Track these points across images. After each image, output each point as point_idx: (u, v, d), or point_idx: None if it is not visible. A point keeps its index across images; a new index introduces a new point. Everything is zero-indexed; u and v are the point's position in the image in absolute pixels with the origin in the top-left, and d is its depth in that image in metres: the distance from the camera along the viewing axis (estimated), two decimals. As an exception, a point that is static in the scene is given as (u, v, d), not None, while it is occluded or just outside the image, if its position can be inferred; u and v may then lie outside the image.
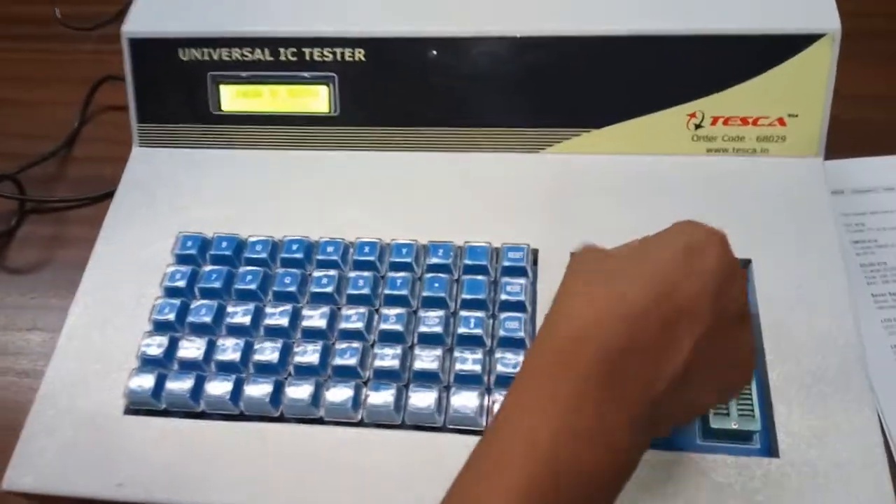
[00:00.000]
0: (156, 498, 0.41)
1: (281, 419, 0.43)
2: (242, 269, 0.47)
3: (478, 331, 0.43)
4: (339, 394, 0.42)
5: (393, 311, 0.44)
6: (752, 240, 0.46)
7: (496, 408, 0.41)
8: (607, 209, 0.48)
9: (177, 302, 0.46)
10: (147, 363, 0.45)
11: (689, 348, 0.31)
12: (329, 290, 0.46)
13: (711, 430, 0.40)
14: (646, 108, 0.49)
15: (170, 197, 0.53)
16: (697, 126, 0.49)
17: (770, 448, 0.40)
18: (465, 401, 0.41)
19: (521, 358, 0.42)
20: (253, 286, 0.46)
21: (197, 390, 0.43)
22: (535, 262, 0.47)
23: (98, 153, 0.68)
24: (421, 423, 0.42)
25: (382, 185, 0.52)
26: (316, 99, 0.53)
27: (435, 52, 0.50)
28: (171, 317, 0.46)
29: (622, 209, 0.48)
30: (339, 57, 0.52)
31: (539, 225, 0.48)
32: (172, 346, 0.45)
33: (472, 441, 0.40)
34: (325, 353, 0.44)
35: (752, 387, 0.41)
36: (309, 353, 0.43)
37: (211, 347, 0.45)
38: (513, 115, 0.51)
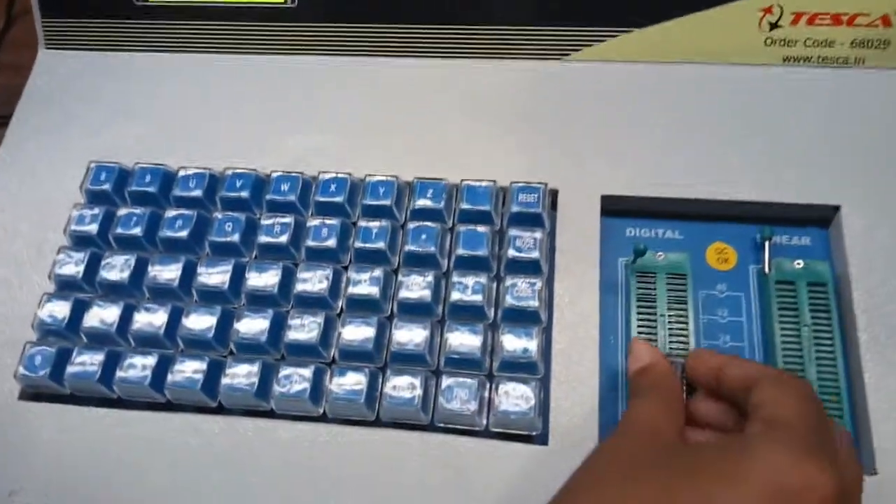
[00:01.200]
0: (56, 511, 0.32)
1: (219, 411, 0.33)
2: (171, 212, 0.36)
3: (477, 298, 0.33)
4: (292, 381, 0.32)
5: (365, 275, 0.34)
6: (842, 179, 0.35)
7: (501, 401, 0.31)
8: (651, 136, 0.37)
9: (85, 254, 0.35)
10: (46, 334, 0.34)
11: None
12: (282, 240, 0.35)
13: (784, 435, 0.30)
14: None
15: (80, 115, 0.41)
16: (773, 25, 0.37)
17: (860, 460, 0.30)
18: (459, 392, 0.31)
19: (534, 335, 0.32)
20: (183, 234, 0.35)
21: (109, 371, 0.33)
22: (553, 207, 0.36)
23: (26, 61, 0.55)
24: (400, 420, 0.32)
25: (354, 101, 0.40)
26: (268, -15, 0.40)
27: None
28: (78, 273, 0.35)
29: (671, 136, 0.37)
30: (296, -73, 0.39)
31: (560, 157, 0.37)
32: (78, 312, 0.34)
33: (467, 445, 0.31)
34: (277, 326, 0.33)
35: (840, 382, 0.31)
36: (255, 326, 0.33)
37: (128, 315, 0.34)
38: (527, 10, 0.39)
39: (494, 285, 0.34)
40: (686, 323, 0.32)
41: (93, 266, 0.35)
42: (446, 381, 0.31)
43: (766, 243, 0.34)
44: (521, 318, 0.32)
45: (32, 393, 0.34)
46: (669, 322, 0.33)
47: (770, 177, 0.35)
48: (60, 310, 0.34)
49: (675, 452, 0.25)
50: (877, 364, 0.31)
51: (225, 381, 0.32)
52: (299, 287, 0.34)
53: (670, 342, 0.32)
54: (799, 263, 0.33)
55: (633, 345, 0.31)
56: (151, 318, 0.34)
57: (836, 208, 0.34)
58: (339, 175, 0.36)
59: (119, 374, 0.33)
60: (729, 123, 0.37)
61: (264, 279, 0.34)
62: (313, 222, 0.35)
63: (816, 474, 0.23)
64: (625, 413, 0.28)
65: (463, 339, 0.32)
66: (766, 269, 0.33)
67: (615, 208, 0.36)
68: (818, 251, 0.35)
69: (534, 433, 0.31)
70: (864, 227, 0.33)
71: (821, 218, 0.35)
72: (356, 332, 0.33)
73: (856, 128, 0.36)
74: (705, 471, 0.23)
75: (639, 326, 0.33)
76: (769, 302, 0.33)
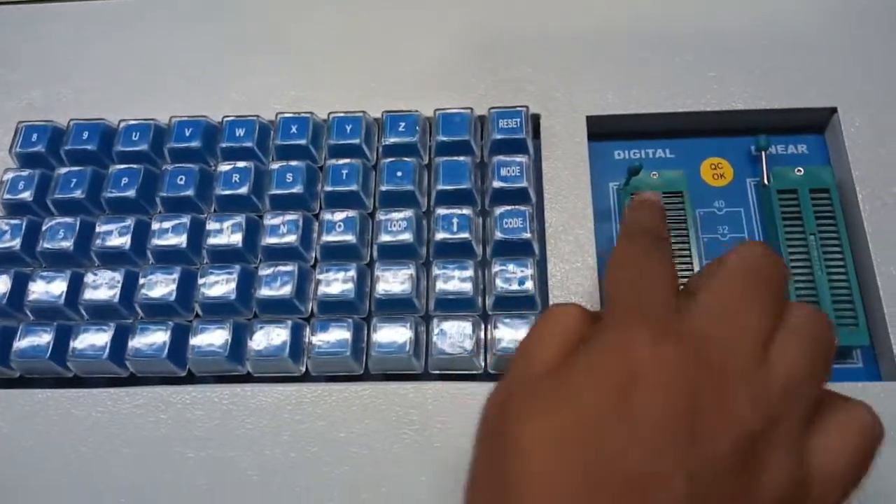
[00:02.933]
0: (14, 508, 0.28)
1: (189, 379, 0.30)
2: (114, 169, 0.32)
3: (464, 235, 0.30)
4: (269, 338, 0.29)
5: (339, 216, 0.31)
6: (836, 80, 0.33)
7: (499, 339, 0.28)
8: (633, 51, 0.34)
9: (22, 221, 0.32)
10: (-15, 314, 0.31)
11: None
12: (243, 191, 0.32)
13: (800, 349, 0.29)
14: None
15: (2, 69, 0.36)
16: (753, -76, 0.35)
17: (878, 369, 0.29)
18: (453, 334, 0.29)
19: (528, 269, 0.29)
20: (131, 192, 0.32)
21: (61, 347, 0.30)
22: (536, 135, 0.33)
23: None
24: (392, 371, 0.29)
25: (311, 26, 0.36)
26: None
27: None
28: (15, 244, 0.31)
29: (654, 50, 0.34)
30: None
31: (538, 80, 0.34)
32: (20, 286, 0.31)
33: (466, 391, 0.28)
34: (245, 282, 0.30)
35: (853, 288, 0.29)
36: (220, 283, 0.30)
37: (76, 284, 0.31)
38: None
39: (481, 220, 0.31)
40: (688, 243, 0.30)
41: (32, 235, 0.32)
42: (438, 324, 0.29)
43: (763, 154, 0.32)
44: (512, 251, 0.30)
45: (-24, 380, 0.31)
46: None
47: (760, 83, 0.33)
48: (0, 285, 0.31)
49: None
50: (889, 266, 0.29)
51: (193, 345, 0.29)
52: (267, 239, 0.31)
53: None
54: (799, 171, 0.31)
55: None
56: (103, 286, 0.30)
57: (833, 110, 0.32)
58: (300, 114, 0.33)
59: (73, 348, 0.29)
60: (713, 31, 0.34)
61: (226, 233, 0.31)
62: (275, 166, 0.32)
63: (660, 335, 0.19)
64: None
65: (452, 279, 0.29)
66: (766, 181, 0.32)
67: (601, 131, 0.34)
68: (816, 158, 0.33)
69: (537, 372, 0.29)
70: (863, 126, 0.32)
71: (816, 124, 0.33)
72: (335, 282, 0.30)
73: (845, 26, 0.34)
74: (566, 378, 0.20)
75: (638, 251, 0.31)
76: (771, 213, 0.31)
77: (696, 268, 0.30)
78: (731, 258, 0.22)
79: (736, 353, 0.20)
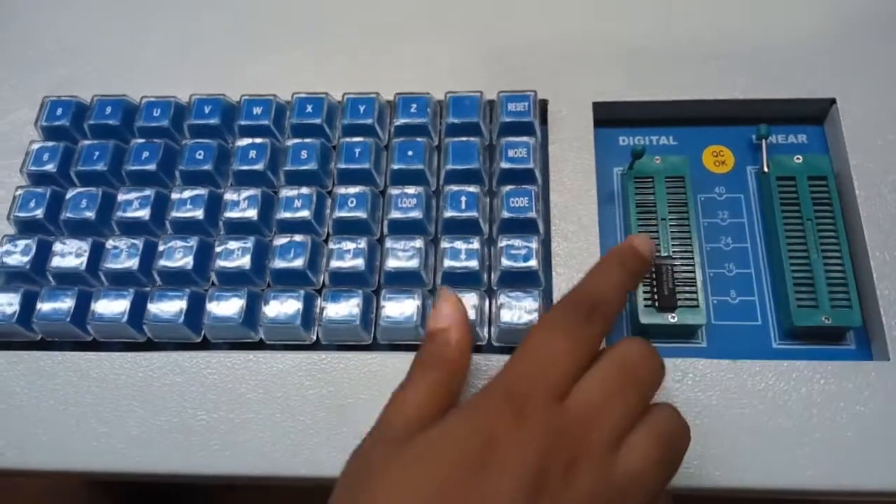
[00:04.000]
0: (34, 464, 0.29)
1: (204, 346, 0.31)
2: (136, 143, 0.34)
3: (472, 213, 0.31)
4: (282, 307, 0.30)
5: (352, 191, 0.32)
6: (835, 71, 0.34)
7: (503, 314, 0.29)
8: (638, 40, 0.35)
9: (46, 191, 0.33)
10: (9, 277, 0.32)
11: None
12: (259, 166, 0.33)
13: (794, 328, 0.30)
14: None
15: (29, 47, 0.38)
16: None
17: (870, 349, 0.30)
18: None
19: (533, 244, 0.30)
20: (151, 166, 0.33)
21: (81, 312, 0.31)
22: (543, 120, 0.34)
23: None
24: (400, 341, 0.30)
25: (329, 10, 0.37)
26: None
27: None
28: (40, 213, 0.33)
29: (658, 38, 0.35)
30: None
31: (546, 66, 0.35)
32: (43, 252, 0.32)
33: (471, 362, 0.30)
34: (260, 254, 0.31)
35: (847, 273, 0.30)
36: (237, 255, 0.31)
37: (97, 252, 0.32)
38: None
39: (488, 199, 0.32)
40: (688, 225, 0.31)
41: (55, 204, 0.33)
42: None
43: (763, 142, 0.33)
44: (518, 229, 0.31)
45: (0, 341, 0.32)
46: (671, 225, 0.31)
47: (762, 74, 0.34)
48: (24, 251, 0.32)
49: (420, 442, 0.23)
50: (882, 251, 0.30)
51: (209, 312, 0.30)
52: (281, 213, 0.32)
53: (673, 245, 0.31)
54: (798, 158, 0.32)
55: (441, 298, 0.27)
56: (124, 254, 0.31)
57: (832, 101, 0.33)
58: (315, 94, 0.34)
59: (94, 312, 0.30)
60: (717, 23, 0.35)
61: (243, 206, 0.32)
62: (290, 143, 0.33)
63: (514, 418, 0.22)
64: (394, 397, 0.25)
65: (460, 255, 0.30)
66: (765, 168, 0.33)
67: (607, 118, 0.35)
68: (815, 148, 0.34)
69: (539, 345, 0.30)
70: (861, 117, 0.33)
71: (816, 115, 0.34)
72: (346, 255, 0.31)
73: (846, 20, 0.35)
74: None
75: (640, 232, 0.32)
76: (770, 199, 0.32)
77: (696, 252, 0.31)
78: (613, 352, 0.24)
79: (591, 442, 0.22)
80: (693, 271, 0.30)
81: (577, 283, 0.26)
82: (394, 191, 0.32)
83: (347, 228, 0.32)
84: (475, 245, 0.30)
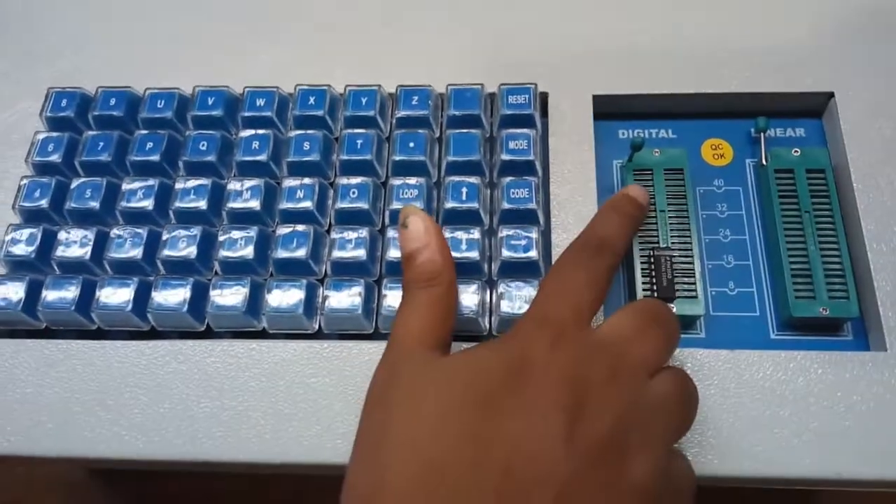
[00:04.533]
0: (39, 450, 0.30)
1: (207, 334, 0.31)
2: (140, 133, 0.34)
3: (472, 204, 0.31)
4: (285, 297, 0.30)
5: (354, 182, 0.32)
6: (833, 65, 0.34)
7: (503, 304, 0.30)
8: (638, 34, 0.36)
9: (51, 181, 0.33)
10: (14, 267, 0.32)
11: None
12: (262, 157, 0.33)
13: (792, 318, 0.30)
14: None
15: (33, 39, 0.38)
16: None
17: (867, 340, 0.30)
18: (460, 297, 0.30)
19: (533, 234, 0.31)
20: (155, 156, 0.33)
21: (86, 301, 0.31)
22: (544, 113, 0.34)
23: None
24: (400, 331, 0.30)
25: (328, 4, 0.38)
26: None
27: None
28: (45, 203, 0.33)
29: (658, 33, 0.36)
30: None
31: (547, 59, 0.35)
32: (48, 241, 0.32)
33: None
34: (263, 244, 0.32)
35: (845, 264, 0.30)
36: (240, 245, 0.31)
37: (101, 242, 0.32)
38: None
39: (489, 191, 0.33)
40: (687, 217, 0.32)
41: (60, 194, 0.33)
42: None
43: (762, 135, 0.33)
44: (518, 220, 0.31)
45: (4, 329, 0.32)
46: (670, 217, 0.32)
47: (761, 67, 0.34)
48: (29, 240, 0.32)
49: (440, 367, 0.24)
50: (879, 243, 0.30)
51: (213, 301, 0.30)
52: (284, 204, 0.32)
53: (672, 237, 0.31)
54: (796, 151, 0.33)
55: (407, 216, 0.27)
56: (127, 244, 0.32)
57: (830, 95, 0.34)
58: (317, 86, 0.34)
59: (98, 301, 0.31)
60: (716, 17, 0.36)
61: (246, 197, 0.32)
62: (293, 134, 0.33)
63: (520, 357, 0.23)
64: (392, 326, 0.26)
65: (460, 245, 0.31)
66: (764, 161, 0.33)
67: (607, 111, 0.35)
68: (813, 141, 0.34)
69: (539, 334, 0.30)
70: (859, 111, 0.33)
71: (814, 108, 0.34)
72: (348, 245, 0.31)
73: (844, 13, 0.35)
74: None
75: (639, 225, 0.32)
76: (769, 192, 0.32)
77: (695, 244, 0.31)
78: (636, 302, 0.26)
79: (628, 360, 0.23)
80: (692, 262, 0.31)
81: (582, 231, 0.28)
82: (395, 182, 0.32)
83: (349, 219, 0.32)
84: (476, 235, 0.31)
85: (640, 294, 0.30)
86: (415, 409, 0.22)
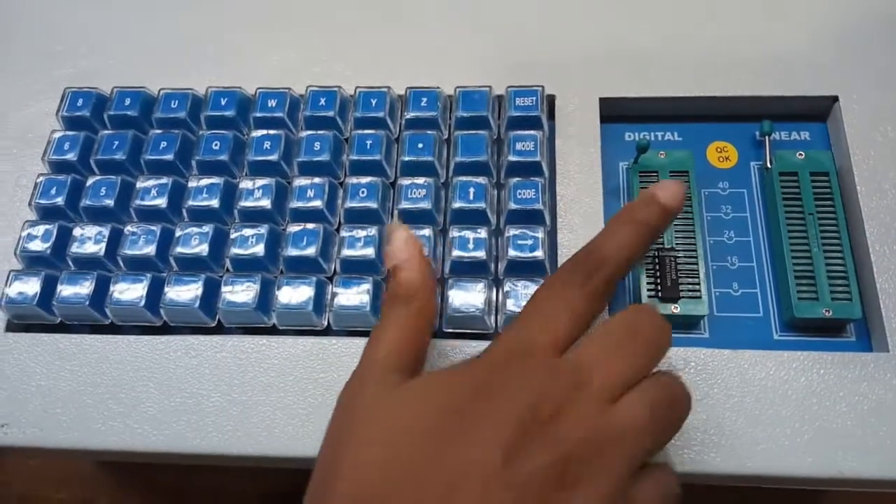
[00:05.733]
0: (53, 442, 0.30)
1: (218, 330, 0.32)
2: (154, 133, 0.35)
3: (480, 204, 0.32)
4: (295, 294, 0.31)
5: (363, 181, 0.33)
6: (839, 69, 0.34)
7: (509, 303, 0.30)
8: (645, 36, 0.36)
9: (66, 179, 0.34)
10: (30, 262, 0.33)
11: None
12: (273, 157, 0.34)
13: (795, 319, 0.30)
14: None
15: (50, 40, 0.39)
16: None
17: (870, 341, 0.30)
18: (466, 296, 0.30)
19: (539, 234, 0.31)
20: (169, 155, 0.34)
21: (100, 296, 0.32)
22: (551, 115, 0.35)
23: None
24: (408, 328, 0.31)
25: (342, 4, 0.38)
26: None
27: None
28: (60, 200, 0.34)
29: (665, 36, 0.36)
30: None
31: (554, 61, 0.36)
32: (63, 238, 0.33)
33: (477, 347, 0.30)
34: (273, 242, 0.32)
35: (848, 267, 0.30)
36: (251, 242, 0.32)
37: (116, 238, 0.33)
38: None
39: (496, 191, 0.33)
40: (691, 219, 0.32)
41: (75, 192, 0.34)
42: (452, 286, 0.31)
43: (767, 138, 0.34)
44: (525, 220, 0.32)
45: (20, 324, 0.33)
46: (675, 219, 0.32)
47: (766, 71, 0.35)
48: (45, 237, 0.33)
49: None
50: (882, 245, 0.31)
51: (224, 297, 0.31)
52: (295, 203, 0.33)
53: (676, 238, 0.32)
54: (801, 154, 0.33)
55: (391, 233, 0.27)
56: (141, 241, 0.32)
57: (835, 99, 0.34)
58: (328, 88, 0.35)
59: (112, 296, 0.31)
60: (722, 21, 0.36)
61: (257, 196, 0.33)
62: (304, 135, 0.34)
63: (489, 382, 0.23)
64: (370, 338, 0.26)
65: (467, 244, 0.31)
66: (768, 164, 0.33)
67: (613, 113, 0.35)
68: (818, 145, 0.35)
69: (544, 333, 0.31)
70: (863, 115, 0.33)
71: (819, 112, 0.35)
72: (357, 243, 0.32)
73: (849, 17, 0.36)
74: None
75: (644, 225, 0.32)
76: (773, 194, 0.32)
77: (700, 245, 0.32)
78: (617, 315, 0.25)
79: (584, 390, 0.23)
80: (696, 263, 0.31)
81: (589, 243, 0.26)
82: (404, 181, 0.33)
83: (358, 218, 0.32)
84: (483, 235, 0.31)
85: (644, 295, 0.31)
86: (366, 434, 0.23)
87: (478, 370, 0.23)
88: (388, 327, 0.25)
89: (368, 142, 0.33)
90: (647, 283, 0.31)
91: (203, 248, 0.32)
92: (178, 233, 0.32)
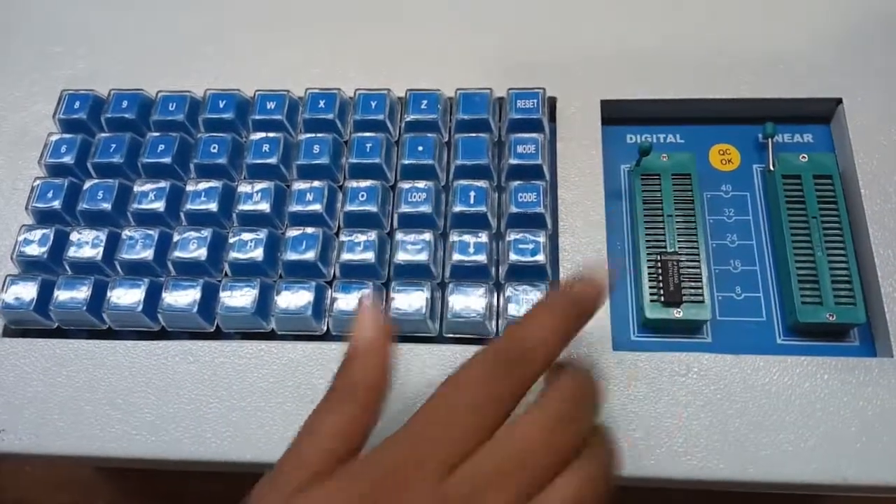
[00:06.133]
0: (50, 448, 0.30)
1: (217, 335, 0.32)
2: (152, 136, 0.34)
3: (480, 208, 0.32)
4: (293, 298, 0.31)
5: (363, 185, 0.32)
6: (842, 71, 0.34)
7: (510, 308, 0.30)
8: (645, 39, 0.36)
9: (63, 182, 0.34)
10: (27, 267, 0.33)
11: None
12: (272, 160, 0.33)
13: (798, 324, 0.30)
14: None
15: (48, 41, 0.38)
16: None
17: (873, 346, 0.30)
18: (467, 301, 0.30)
19: (541, 238, 0.31)
20: (167, 159, 0.34)
21: (97, 301, 0.31)
22: (552, 118, 0.35)
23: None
24: (409, 333, 0.31)
25: (342, 6, 0.38)
26: None
27: None
28: (57, 204, 0.33)
29: (665, 38, 0.36)
30: None
31: (555, 64, 0.36)
32: (60, 242, 0.33)
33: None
34: (272, 246, 0.32)
35: (851, 270, 0.30)
36: (250, 246, 0.32)
37: (113, 242, 0.32)
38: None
39: (497, 194, 0.33)
40: (694, 222, 0.32)
41: (72, 195, 0.33)
42: (453, 290, 0.30)
43: (770, 141, 0.33)
44: (526, 224, 0.31)
45: (17, 329, 0.33)
46: (677, 222, 0.32)
47: (769, 73, 0.34)
48: (41, 241, 0.32)
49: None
50: (886, 249, 0.30)
51: (222, 302, 0.31)
52: (293, 206, 0.32)
53: (679, 242, 0.31)
54: (804, 157, 0.33)
55: (361, 317, 0.24)
56: (139, 245, 0.32)
57: (838, 101, 0.34)
58: (327, 90, 0.35)
59: (109, 301, 0.31)
60: (725, 22, 0.36)
61: (256, 199, 0.32)
62: (303, 137, 0.34)
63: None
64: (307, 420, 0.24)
65: (468, 248, 0.31)
66: (771, 166, 0.33)
67: (615, 116, 0.35)
68: (821, 147, 0.34)
69: (546, 338, 0.30)
70: (867, 117, 0.33)
71: (822, 114, 0.35)
72: (357, 248, 0.31)
73: (853, 19, 0.35)
74: None
75: (646, 229, 0.32)
76: (776, 197, 0.32)
77: (702, 249, 0.31)
78: (521, 423, 0.22)
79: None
80: (699, 267, 0.31)
81: (509, 326, 0.25)
82: (404, 185, 0.32)
83: (358, 222, 0.32)
84: (483, 239, 0.31)
85: (646, 299, 0.30)
86: None
87: (362, 483, 0.21)
88: (315, 427, 0.23)
89: (368, 145, 0.33)
90: (650, 288, 0.31)
91: (201, 253, 0.31)
92: (176, 237, 0.32)
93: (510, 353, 0.23)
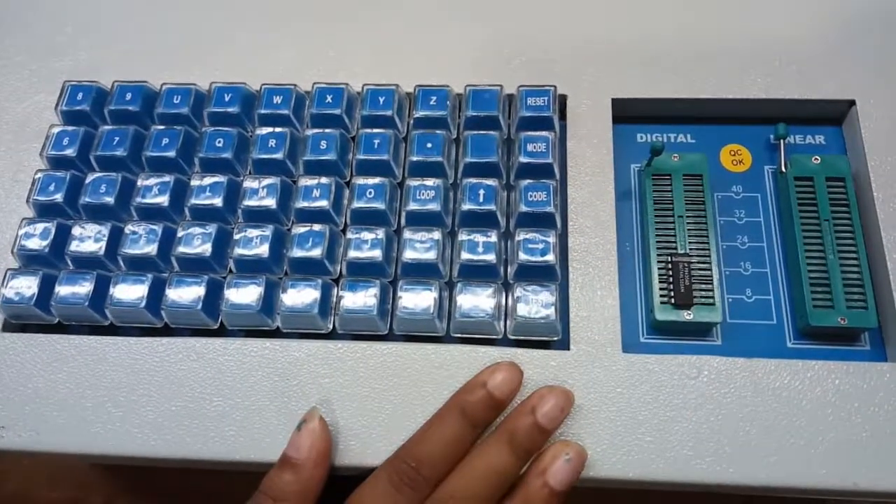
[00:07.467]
0: (50, 445, 0.30)
1: (221, 332, 0.31)
2: (156, 129, 0.34)
3: (489, 206, 0.31)
4: (299, 296, 0.30)
5: (370, 182, 0.32)
6: (855, 73, 0.34)
7: (519, 308, 0.29)
8: (658, 39, 0.35)
9: (65, 175, 0.33)
10: (28, 261, 0.32)
11: None
12: (279, 155, 0.33)
13: (809, 327, 0.30)
14: None
15: (50, 32, 0.38)
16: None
17: (885, 350, 0.30)
18: (475, 300, 0.30)
19: (550, 238, 0.30)
20: (171, 152, 0.33)
21: (99, 296, 0.31)
22: (562, 116, 0.34)
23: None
24: (415, 333, 0.30)
25: (347, 2, 0.38)
26: None
27: None
28: (59, 197, 0.33)
29: (678, 37, 0.35)
30: None
31: (566, 62, 0.35)
32: (62, 236, 0.32)
33: (484, 354, 0.30)
34: (278, 242, 0.31)
35: (863, 273, 0.30)
36: (255, 243, 0.31)
37: (116, 237, 0.32)
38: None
39: (506, 193, 0.32)
40: (705, 223, 0.31)
41: (74, 188, 0.33)
42: (461, 290, 0.30)
43: (781, 142, 0.33)
44: (536, 224, 0.31)
45: (17, 324, 0.32)
46: (688, 223, 0.31)
47: (781, 74, 0.34)
48: (43, 234, 0.32)
49: None
50: (900, 254, 0.30)
51: (227, 299, 0.30)
52: (300, 202, 0.32)
53: (689, 243, 0.31)
54: (816, 159, 0.32)
55: (305, 422, 0.27)
56: (143, 240, 0.31)
57: (851, 103, 0.33)
58: (335, 85, 0.34)
59: (112, 297, 0.30)
60: (737, 24, 0.35)
61: (262, 195, 0.32)
62: (310, 133, 0.33)
63: None
64: None
65: (477, 248, 0.30)
66: (783, 168, 0.33)
67: (626, 114, 0.35)
68: (834, 149, 0.34)
69: (554, 339, 0.30)
70: (880, 120, 0.33)
71: (834, 116, 0.34)
72: (364, 245, 0.31)
73: (866, 20, 0.35)
74: None
75: (657, 229, 0.32)
76: (787, 199, 0.32)
77: (713, 250, 0.31)
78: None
79: None
80: (709, 269, 0.30)
81: (413, 435, 0.27)
82: (412, 182, 0.32)
83: (365, 219, 0.32)
84: (493, 238, 0.31)
85: (656, 301, 0.30)
86: None
87: None
88: None
89: (376, 141, 0.33)
90: (660, 289, 0.30)
91: (206, 249, 0.31)
92: (180, 232, 0.31)
93: (403, 469, 0.25)
